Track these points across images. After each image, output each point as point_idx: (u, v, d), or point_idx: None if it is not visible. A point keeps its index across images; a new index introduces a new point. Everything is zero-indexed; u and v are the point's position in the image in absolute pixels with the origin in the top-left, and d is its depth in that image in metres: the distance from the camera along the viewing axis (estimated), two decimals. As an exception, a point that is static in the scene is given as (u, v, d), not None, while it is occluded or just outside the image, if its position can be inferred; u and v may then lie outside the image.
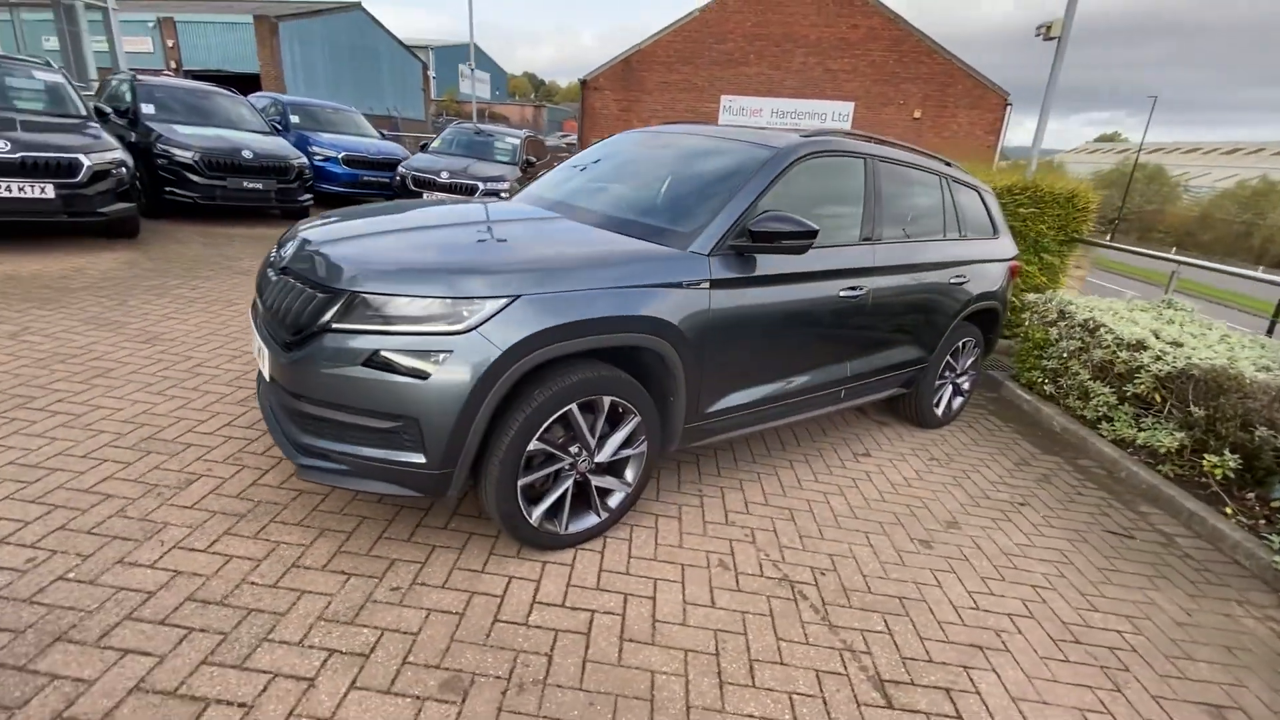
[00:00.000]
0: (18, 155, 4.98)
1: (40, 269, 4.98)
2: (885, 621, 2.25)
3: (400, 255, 2.19)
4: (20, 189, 5.02)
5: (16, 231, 5.69)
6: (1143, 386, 3.79)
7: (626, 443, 2.42)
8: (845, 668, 2.02)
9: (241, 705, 1.62)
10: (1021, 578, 2.63)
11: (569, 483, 2.31)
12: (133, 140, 7.15)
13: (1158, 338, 3.94)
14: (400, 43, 31.07)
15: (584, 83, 20.95)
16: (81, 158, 5.29)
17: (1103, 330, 4.14)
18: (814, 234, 2.49)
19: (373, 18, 28.51)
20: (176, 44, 22.71)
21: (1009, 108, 19.62)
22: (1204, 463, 3.38)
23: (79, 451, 2.61)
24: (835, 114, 20.42)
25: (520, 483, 2.16)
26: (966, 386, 4.31)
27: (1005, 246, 4.23)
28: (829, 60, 19.97)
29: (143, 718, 1.56)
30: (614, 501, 2.49)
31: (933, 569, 2.60)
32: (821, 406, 3.19)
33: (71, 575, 1.97)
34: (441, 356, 1.92)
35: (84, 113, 6.14)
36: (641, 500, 2.80)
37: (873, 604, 2.34)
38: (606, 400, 2.27)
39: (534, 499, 2.28)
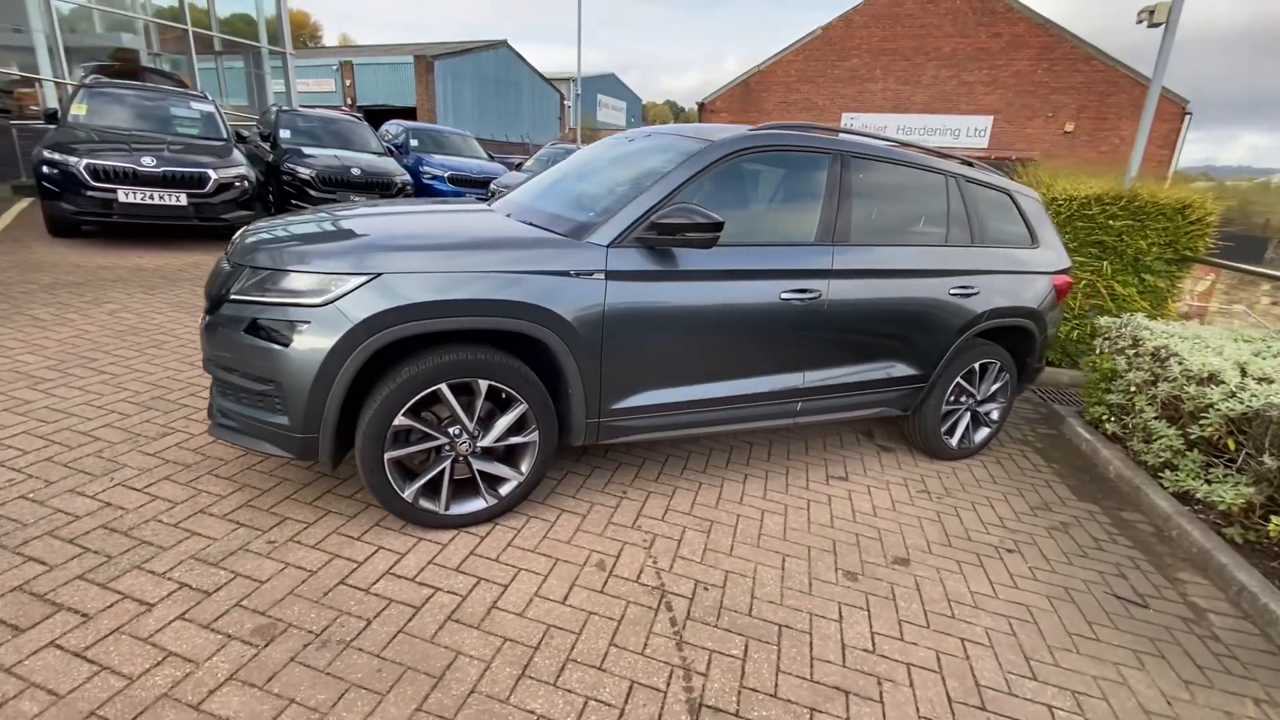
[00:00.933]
0: (160, 169, 6.09)
1: (164, 263, 6.02)
2: (746, 647, 2.04)
3: (296, 236, 2.40)
4: (161, 197, 6.11)
5: (159, 232, 6.92)
6: (1210, 429, 3.09)
7: (515, 430, 2.43)
8: (668, 685, 1.85)
9: (83, 615, 1.85)
10: (954, 629, 2.25)
11: (447, 463, 2.36)
12: (270, 160, 8.42)
13: (1244, 373, 3.20)
14: (540, 75, 33.56)
15: (701, 105, 21.25)
16: (209, 172, 6.34)
17: (1173, 360, 3.44)
18: (717, 227, 2.36)
19: (516, 53, 31.12)
20: (353, 83, 26.34)
21: (1188, 118, 16.98)
22: (1270, 526, 2.68)
23: (99, 403, 3.12)
24: (970, 129, 18.89)
25: (388, 456, 2.25)
26: (995, 416, 3.77)
27: (1047, 258, 3.68)
28: (964, 72, 18.58)
29: (7, 613, 1.83)
30: (505, 489, 2.50)
31: (843, 603, 2.31)
32: (771, 418, 2.96)
33: (30, 495, 2.36)
34: (302, 326, 2.08)
35: (226, 136, 7.35)
36: (554, 494, 2.77)
37: (744, 628, 2.12)
38: (483, 383, 2.30)
39: (411, 474, 2.36)
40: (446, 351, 2.24)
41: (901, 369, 3.24)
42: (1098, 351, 4.18)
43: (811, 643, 2.09)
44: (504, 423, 2.39)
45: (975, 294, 3.30)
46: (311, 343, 2.07)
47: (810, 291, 2.80)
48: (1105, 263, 5.11)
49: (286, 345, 2.08)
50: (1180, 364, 3.36)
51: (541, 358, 2.42)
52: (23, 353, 3.62)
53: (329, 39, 68.20)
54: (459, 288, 2.20)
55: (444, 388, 2.25)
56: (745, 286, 2.68)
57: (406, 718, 1.64)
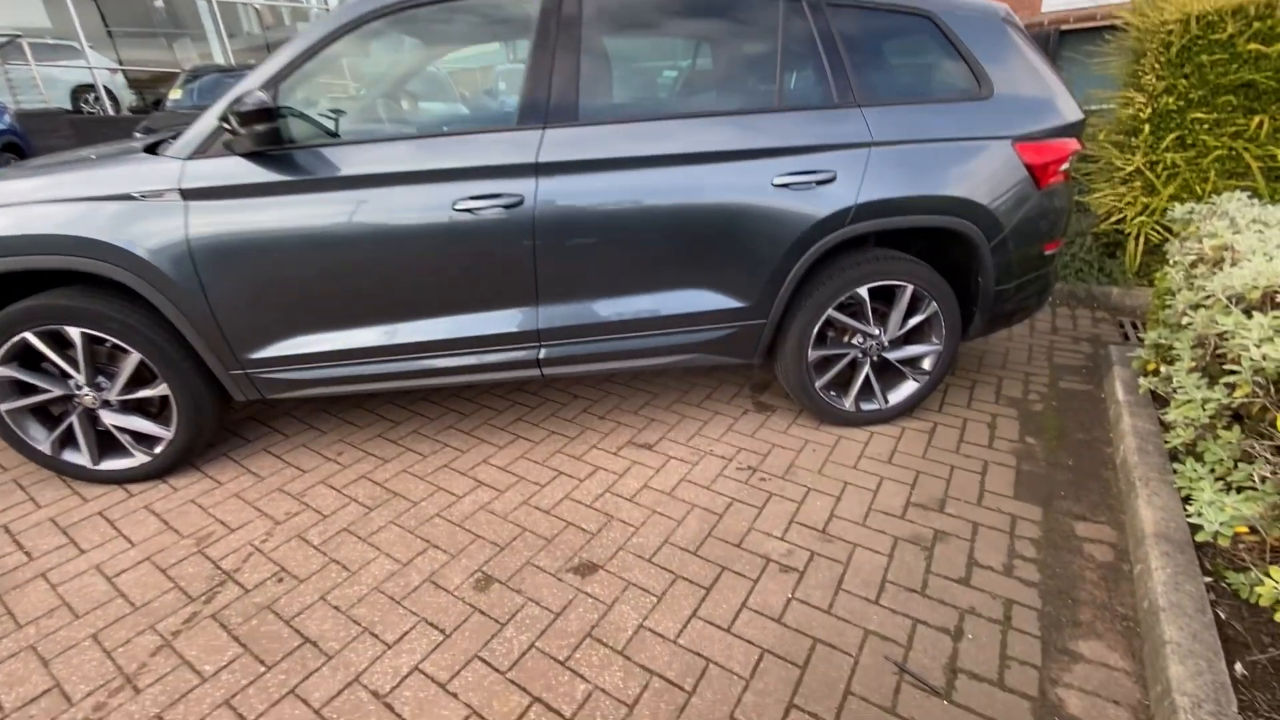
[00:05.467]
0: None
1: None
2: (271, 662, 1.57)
3: None
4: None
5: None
6: (1240, 391, 1.69)
7: (140, 382, 2.16)
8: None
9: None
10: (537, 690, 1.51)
11: (73, 417, 2.19)
12: None
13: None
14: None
15: None
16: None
17: (1224, 269, 1.96)
18: (268, 114, 1.76)
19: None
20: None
21: None
22: (1265, 585, 1.36)
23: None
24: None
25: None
26: (926, 365, 2.55)
27: (1009, 111, 2.28)
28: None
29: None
30: (158, 448, 2.26)
31: (431, 622, 1.68)
32: (503, 369, 2.27)
33: None
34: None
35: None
36: (295, 449, 2.48)
37: (268, 637, 1.65)
38: (74, 331, 2.05)
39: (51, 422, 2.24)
40: (44, 297, 2.03)
41: (712, 301, 2.28)
42: (1169, 260, 2.60)
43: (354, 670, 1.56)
44: (124, 373, 2.14)
45: (827, 182, 2.16)
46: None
47: (503, 197, 2.03)
48: (1256, 118, 3.15)
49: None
50: (1221, 278, 1.88)
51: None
52: None
53: None
54: (24, 225, 1.96)
55: (30, 336, 2.05)
56: (396, 196, 2.02)
57: None
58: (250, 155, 1.95)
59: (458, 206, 2.02)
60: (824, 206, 2.17)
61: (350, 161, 1.99)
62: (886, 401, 2.56)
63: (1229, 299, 1.86)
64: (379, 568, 1.88)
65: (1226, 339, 1.85)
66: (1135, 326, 3.50)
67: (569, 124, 2.07)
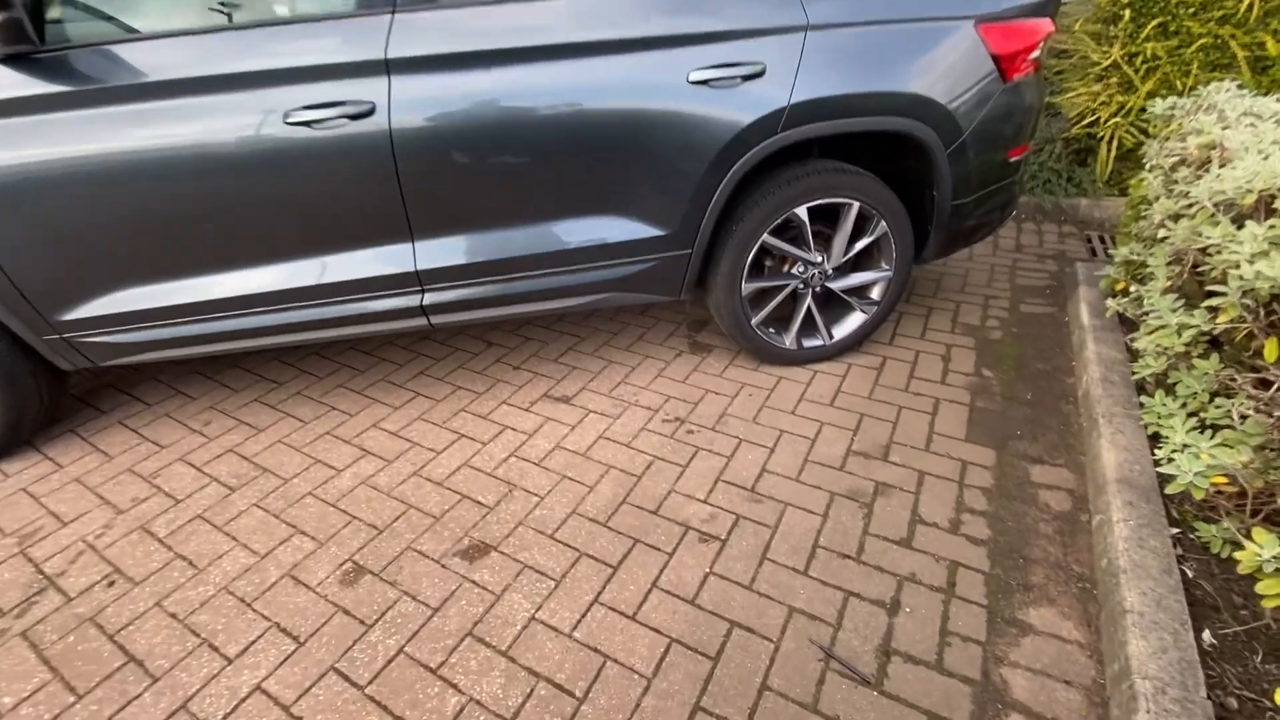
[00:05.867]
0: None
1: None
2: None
3: None
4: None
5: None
6: (1225, 315, 1.44)
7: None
8: None
9: None
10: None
11: None
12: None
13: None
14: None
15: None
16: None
17: (1211, 170, 1.67)
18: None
19: None
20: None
21: None
22: (1246, 550, 1.16)
23: None
24: None
25: None
26: (875, 295, 2.28)
27: (974, -12, 1.91)
28: None
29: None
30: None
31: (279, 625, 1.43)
32: (378, 321, 1.93)
33: None
34: None
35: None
36: (66, 431, 2.14)
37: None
38: None
39: None
40: None
41: (624, 229, 1.94)
42: (1146, 163, 2.30)
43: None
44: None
45: (755, 77, 1.79)
46: None
47: (346, 106, 1.62)
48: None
49: None
50: (1213, 179, 1.60)
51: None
52: None
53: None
54: None
55: None
56: (212, 108, 1.60)
57: None
58: (6, 60, 1.50)
59: (291, 119, 1.61)
60: (751, 109, 1.80)
61: (146, 63, 1.56)
62: (831, 337, 2.29)
63: (1217, 206, 1.58)
64: (231, 562, 1.60)
65: (1210, 254, 1.58)
66: (1104, 242, 3.26)
67: (425, 4, 1.64)
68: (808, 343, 2.29)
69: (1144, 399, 1.76)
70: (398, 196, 1.74)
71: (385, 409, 2.18)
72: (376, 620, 1.44)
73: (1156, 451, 1.50)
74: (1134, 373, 1.90)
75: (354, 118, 1.63)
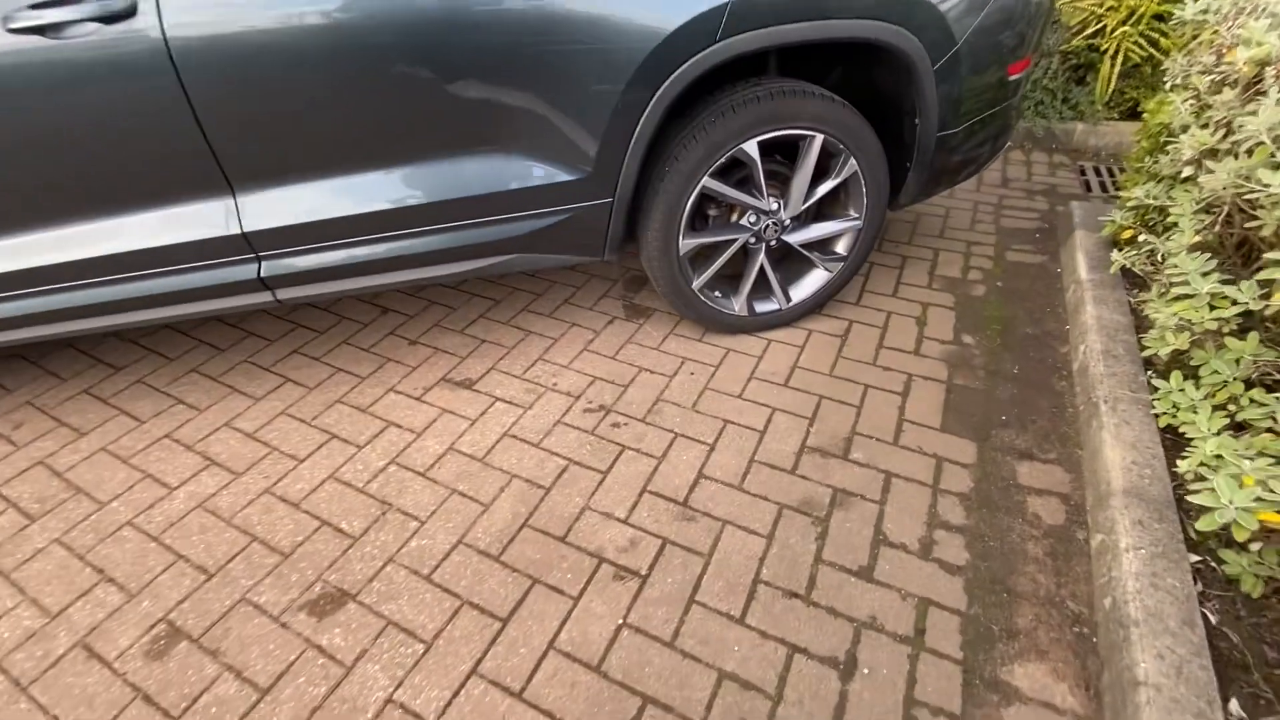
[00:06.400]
0: None
1: None
2: None
3: None
4: None
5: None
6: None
7: None
8: None
9: None
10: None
11: None
12: None
13: None
14: None
15: None
16: None
17: (1267, 102, 1.29)
18: None
19: None
20: None
21: None
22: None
23: None
24: None
25: None
26: (840, 249, 1.90)
27: None
28: None
29: None
30: None
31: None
32: (206, 299, 1.50)
33: None
34: None
35: None
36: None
37: None
38: None
39: None
40: None
41: (524, 172, 1.50)
42: (1170, 78, 1.90)
43: None
44: None
45: (679, -38, 1.33)
46: None
47: (88, 2, 1.13)
48: None
49: None
50: (1275, 108, 1.22)
51: None
52: None
53: None
54: None
55: None
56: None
57: None
58: None
59: (15, 25, 1.12)
60: (679, 7, 1.34)
61: None
62: (788, 300, 1.92)
63: (1279, 143, 1.22)
64: (10, 627, 1.24)
65: (1263, 207, 1.23)
66: (1100, 174, 2.89)
67: None
68: (761, 307, 1.92)
69: (1155, 381, 1.45)
70: (197, 133, 1.27)
71: (244, 401, 1.77)
72: (184, 713, 1.10)
73: (1178, 464, 1.20)
74: (1143, 346, 1.59)
75: (107, 20, 1.14)
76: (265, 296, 1.54)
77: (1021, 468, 1.50)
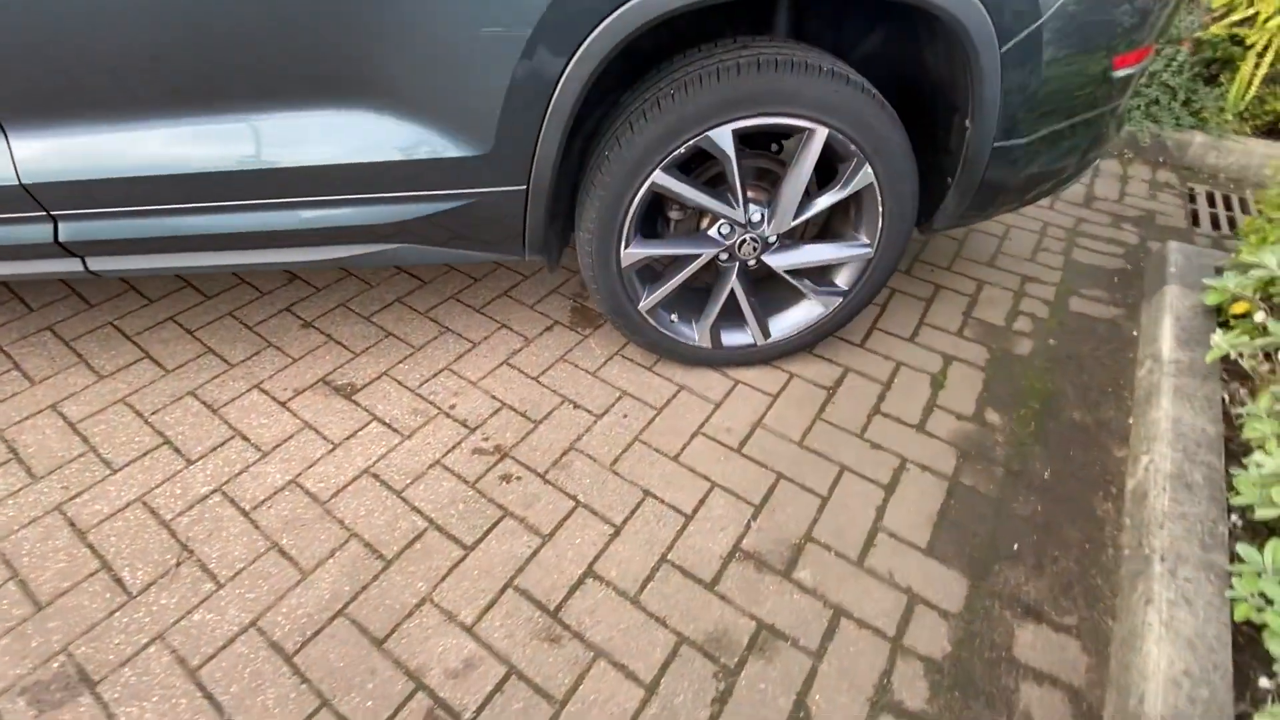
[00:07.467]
0: None
1: None
2: None
3: None
4: None
5: None
6: None
7: None
8: None
9: None
10: None
11: None
12: None
13: None
14: None
15: None
16: None
17: None
18: None
19: None
20: None
21: None
22: None
23: None
24: None
25: None
26: (841, 282, 1.44)
27: None
28: None
29: None
30: None
31: None
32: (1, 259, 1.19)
33: None
34: None
35: None
36: None
37: None
38: None
39: None
40: None
41: (400, 139, 1.09)
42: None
43: None
44: None
45: None
46: None
47: None
48: None
49: None
50: None
51: None
52: None
53: None
54: None
55: None
56: None
57: None
58: None
59: None
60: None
61: None
62: (766, 335, 1.49)
63: None
64: None
65: None
66: (1215, 204, 2.29)
67: None
68: (730, 339, 1.50)
69: (1241, 547, 1.00)
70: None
71: (87, 377, 1.47)
72: None
73: (1253, 692, 0.78)
74: (1233, 486, 1.13)
75: None
76: (73, 264, 1.21)
77: (1023, 632, 1.09)
